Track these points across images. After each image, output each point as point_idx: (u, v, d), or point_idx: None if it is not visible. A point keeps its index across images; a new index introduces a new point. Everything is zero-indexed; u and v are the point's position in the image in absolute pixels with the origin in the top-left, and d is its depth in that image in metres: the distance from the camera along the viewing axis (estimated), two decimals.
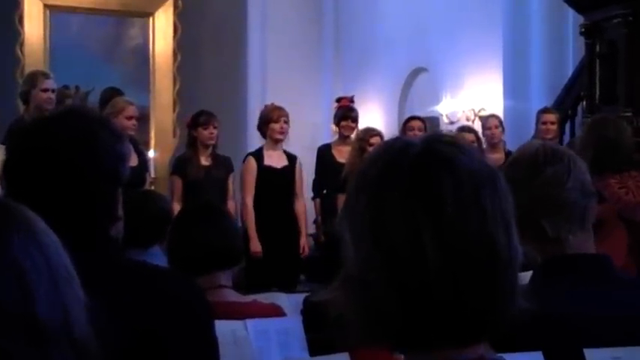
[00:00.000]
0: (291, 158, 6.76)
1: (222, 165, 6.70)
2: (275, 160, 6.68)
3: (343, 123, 7.30)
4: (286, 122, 6.68)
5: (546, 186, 1.80)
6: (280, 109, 6.75)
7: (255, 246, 6.42)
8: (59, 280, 0.98)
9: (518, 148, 2.07)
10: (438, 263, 1.04)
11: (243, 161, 6.81)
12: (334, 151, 7.28)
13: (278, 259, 6.41)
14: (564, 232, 1.79)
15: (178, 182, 6.58)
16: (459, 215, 1.06)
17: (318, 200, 7.32)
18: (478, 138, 6.80)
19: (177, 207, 5.90)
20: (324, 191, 7.21)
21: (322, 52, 10.63)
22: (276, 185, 6.61)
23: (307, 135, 8.56)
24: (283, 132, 6.66)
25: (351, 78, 10.11)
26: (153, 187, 7.11)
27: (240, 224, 6.12)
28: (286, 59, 10.09)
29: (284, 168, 6.68)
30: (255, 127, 6.94)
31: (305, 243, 6.70)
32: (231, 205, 6.51)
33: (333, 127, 7.58)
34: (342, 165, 6.81)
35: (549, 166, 1.82)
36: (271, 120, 6.65)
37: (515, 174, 1.81)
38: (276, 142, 6.68)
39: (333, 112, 7.71)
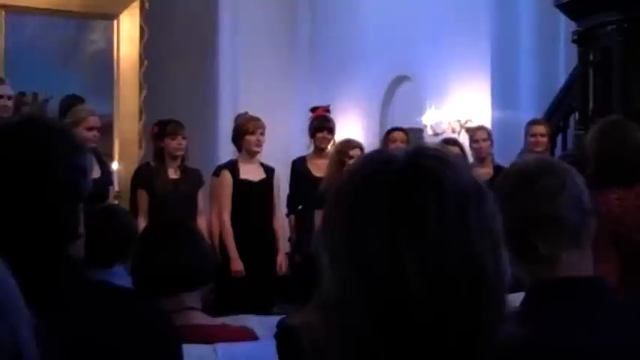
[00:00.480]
0: (269, 171, 6.80)
1: (192, 178, 6.72)
2: (251, 173, 6.71)
3: (319, 134, 7.32)
4: (262, 134, 6.73)
5: (537, 200, 1.78)
6: (256, 119, 6.79)
7: (237, 265, 6.47)
8: (6, 303, 0.98)
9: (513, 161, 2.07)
10: (420, 286, 1.04)
11: (215, 174, 6.83)
12: (309, 165, 7.30)
13: (254, 279, 6.47)
14: (557, 250, 1.77)
15: (144, 196, 6.61)
16: (443, 235, 1.05)
17: (292, 217, 7.32)
18: (463, 151, 6.83)
19: (142, 223, 5.92)
20: (299, 207, 7.24)
21: (297, 58, 10.63)
22: (253, 200, 6.66)
23: (281, 147, 8.60)
24: (260, 144, 6.71)
25: (329, 86, 10.10)
26: (117, 202, 7.10)
27: (210, 242, 6.06)
28: (259, 67, 10.10)
29: (261, 181, 6.72)
30: (227, 138, 6.95)
31: (283, 260, 6.77)
32: (200, 222, 6.52)
33: (308, 139, 7.63)
34: (317, 179, 6.85)
35: (542, 179, 1.80)
36: (247, 132, 6.69)
37: (505, 187, 1.82)
38: (252, 155, 6.72)
39: (308, 122, 7.79)
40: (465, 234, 1.07)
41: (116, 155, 9.30)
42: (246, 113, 7.27)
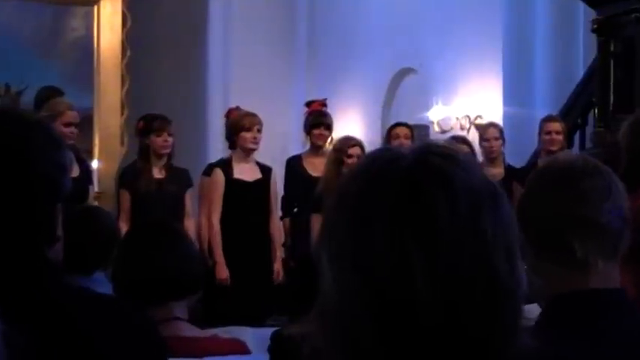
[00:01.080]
0: (265, 170, 6.81)
1: (178, 178, 6.72)
2: (246, 172, 6.72)
3: (315, 131, 7.30)
4: (259, 131, 6.74)
5: (580, 201, 1.78)
6: (253, 115, 6.79)
7: (222, 272, 6.49)
8: None
9: (548, 158, 2.05)
10: (429, 295, 1.05)
11: (205, 173, 6.84)
12: (305, 164, 7.29)
13: (248, 288, 6.48)
14: (594, 257, 1.77)
15: (126, 197, 6.62)
16: (454, 239, 1.06)
17: (287, 220, 7.33)
18: (473, 150, 6.83)
19: (124, 226, 5.91)
20: (295, 210, 7.25)
21: (294, 48, 10.59)
22: (248, 201, 6.66)
23: (275, 145, 8.57)
24: (257, 142, 6.71)
25: (328, 79, 10.06)
26: (97, 203, 7.08)
27: (198, 246, 6.07)
28: (252, 57, 10.05)
29: (257, 182, 6.73)
30: (217, 135, 7.05)
31: (279, 267, 6.76)
32: (188, 225, 6.51)
33: (304, 135, 7.62)
34: (314, 179, 6.86)
35: (587, 180, 1.80)
36: (243, 128, 6.68)
37: (543, 184, 1.83)
38: (248, 153, 6.72)
39: (302, 119, 7.75)
40: (477, 238, 1.08)
41: (96, 153, 9.27)
42: (237, 108, 7.27)
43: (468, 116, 8.80)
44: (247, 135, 6.67)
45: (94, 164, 8.44)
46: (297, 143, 8.66)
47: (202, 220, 6.71)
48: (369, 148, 6.52)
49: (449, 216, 1.07)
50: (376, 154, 1.16)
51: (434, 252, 1.05)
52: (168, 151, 6.67)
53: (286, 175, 7.39)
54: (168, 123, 6.73)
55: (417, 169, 1.10)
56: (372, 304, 1.06)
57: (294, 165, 7.37)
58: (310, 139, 7.40)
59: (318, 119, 7.38)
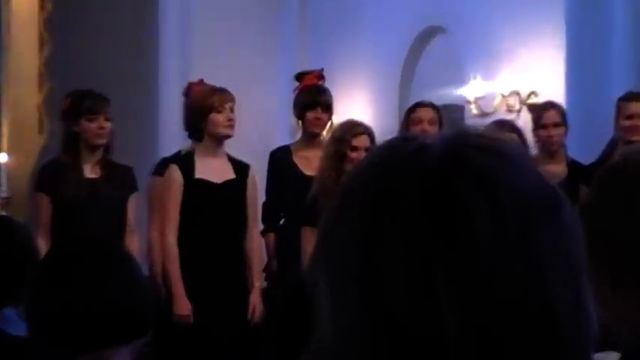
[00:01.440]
0: (240, 168, 6.85)
1: (119, 178, 6.71)
2: (214, 171, 6.75)
3: (309, 114, 7.27)
4: (232, 110, 6.78)
5: None
6: (222, 91, 6.83)
7: (181, 306, 6.50)
8: None
9: (628, 148, 2.04)
10: (460, 333, 1.05)
11: (156, 172, 6.87)
12: (296, 159, 7.27)
13: (215, 327, 6.48)
14: None
15: (46, 204, 6.57)
16: (496, 261, 1.06)
17: (271, 236, 7.31)
18: (524, 140, 6.77)
19: (43, 243, 5.93)
20: (281, 221, 7.24)
21: (280, 2, 10.51)
22: (216, 210, 6.68)
23: (254, 134, 8.56)
24: (232, 125, 6.76)
25: (324, 45, 9.95)
26: (4, 213, 7.15)
27: (148, 272, 6.39)
28: (221, 13, 9.93)
29: (228, 183, 6.75)
30: (172, 121, 7.19)
31: (256, 301, 6.73)
32: (132, 242, 6.55)
33: (294, 120, 7.56)
34: (307, 180, 6.83)
35: None
36: (211, 108, 6.71)
37: (624, 187, 1.82)
38: (219, 142, 6.78)
39: (292, 97, 7.68)
40: (529, 258, 1.08)
41: (4, 143, 9.36)
42: (201, 82, 7.25)
43: (518, 94, 8.75)
44: (218, 117, 6.70)
45: (1, 159, 8.39)
46: (283, 131, 8.71)
47: (153, 235, 6.75)
48: (380, 137, 6.53)
49: (490, 231, 1.07)
50: (391, 146, 1.16)
51: (468, 278, 1.06)
52: (104, 141, 6.63)
53: (269, 173, 7.34)
54: (105, 103, 6.68)
55: (447, 167, 1.10)
56: (386, 344, 1.07)
57: (280, 160, 7.32)
58: (302, 124, 7.37)
59: (313, 97, 7.35)
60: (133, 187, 6.77)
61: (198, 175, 6.69)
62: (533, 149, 7.03)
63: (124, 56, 9.87)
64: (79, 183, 6.55)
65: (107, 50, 9.85)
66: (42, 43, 9.64)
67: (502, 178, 1.09)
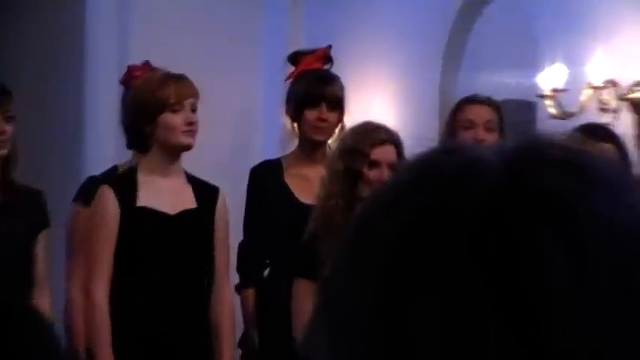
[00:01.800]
0: (205, 193, 6.37)
1: (25, 208, 6.45)
2: (165, 196, 6.28)
3: (310, 113, 6.72)
4: (194, 110, 6.28)
5: None
6: (181, 80, 6.32)
7: None
8: None
9: None
10: None
11: (81, 198, 6.56)
12: (289, 179, 6.78)
13: None
14: None
15: None
16: (581, 325, 0.99)
17: (249, 292, 6.73)
18: (624, 153, 6.26)
19: None
20: (265, 271, 6.77)
21: None
22: (168, 254, 6.18)
23: (225, 142, 8.73)
24: (192, 131, 6.24)
25: (330, 18, 9.52)
26: None
27: (67, 341, 6.25)
28: None
29: (186, 214, 6.28)
30: (105, 123, 7.61)
31: None
32: (42, 299, 6.29)
33: (287, 121, 7.14)
34: (305, 209, 6.27)
35: None
36: (164, 105, 6.20)
37: None
38: (173, 156, 6.26)
39: (284, 88, 7.30)
40: (629, 323, 1.00)
41: None
42: (147, 64, 6.94)
43: (615, 85, 8.03)
44: (174, 119, 6.13)
45: None
46: (270, 138, 8.64)
47: (74, 292, 6.43)
48: (411, 148, 5.28)
49: (571, 280, 0.99)
50: (427, 162, 1.10)
51: (536, 343, 0.98)
52: (2, 151, 6.30)
53: (249, 201, 6.85)
54: (5, 98, 6.34)
55: (509, 192, 1.02)
56: None
57: (265, 181, 6.83)
58: (299, 129, 6.84)
59: (315, 89, 6.78)
60: (42, 221, 6.42)
61: (141, 202, 6.16)
62: (639, 164, 6.44)
63: (37, 34, 9.70)
64: None
65: (15, 25, 9.75)
66: None
67: (591, 212, 1.01)
